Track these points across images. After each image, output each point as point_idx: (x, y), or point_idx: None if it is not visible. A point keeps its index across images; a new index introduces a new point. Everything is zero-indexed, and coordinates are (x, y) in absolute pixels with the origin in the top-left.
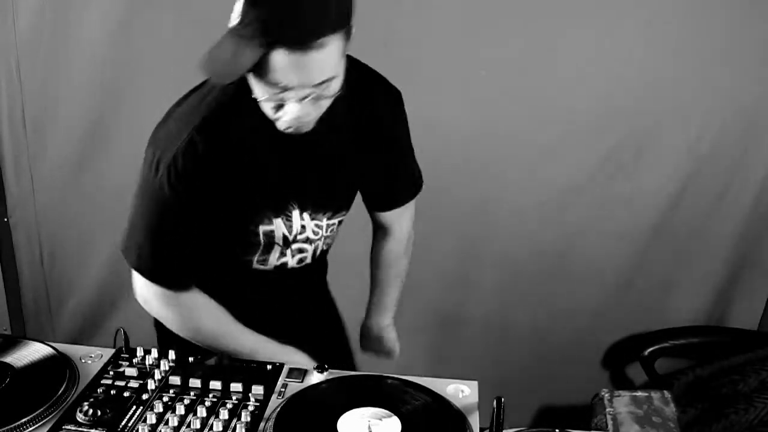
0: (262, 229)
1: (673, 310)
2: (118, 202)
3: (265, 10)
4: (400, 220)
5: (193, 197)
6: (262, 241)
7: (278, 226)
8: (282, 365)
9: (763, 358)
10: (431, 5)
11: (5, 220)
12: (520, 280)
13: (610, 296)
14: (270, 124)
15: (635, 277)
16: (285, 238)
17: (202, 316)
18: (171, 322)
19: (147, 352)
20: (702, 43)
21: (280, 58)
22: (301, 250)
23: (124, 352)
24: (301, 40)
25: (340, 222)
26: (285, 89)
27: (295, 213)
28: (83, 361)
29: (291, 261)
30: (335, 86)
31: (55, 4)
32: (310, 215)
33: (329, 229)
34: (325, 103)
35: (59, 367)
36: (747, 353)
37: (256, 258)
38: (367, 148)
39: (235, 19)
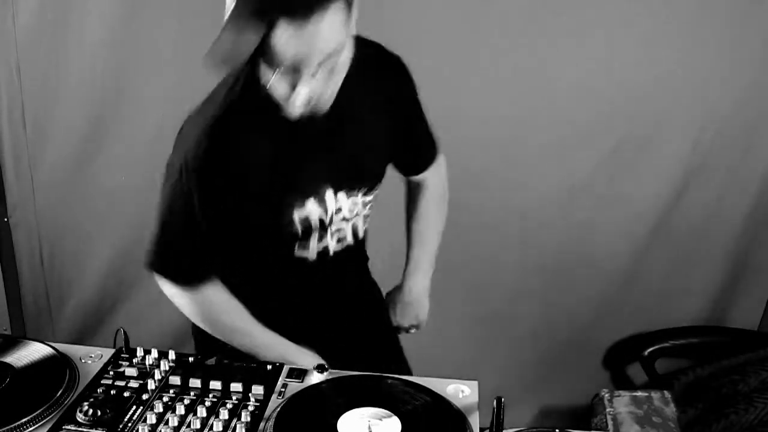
0: (297, 215)
1: (673, 310)
2: (118, 202)
3: None
4: (433, 177)
5: (203, 193)
6: (299, 228)
7: (312, 209)
8: (282, 365)
9: (763, 358)
10: (432, 6)
11: (5, 220)
12: (520, 280)
13: (610, 296)
14: (281, 116)
15: (635, 277)
16: (321, 221)
17: (219, 310)
18: (191, 314)
19: (147, 352)
20: (702, 44)
21: (281, 32)
22: (339, 230)
23: (124, 352)
24: (299, 10)
25: (374, 197)
26: (293, 68)
27: (329, 193)
28: (83, 361)
29: (332, 244)
30: (344, 59)
31: (55, 4)
32: (346, 194)
33: (366, 206)
34: (337, 79)
35: (59, 367)
36: (747, 353)
37: (296, 246)
38: (386, 118)
39: (229, 6)
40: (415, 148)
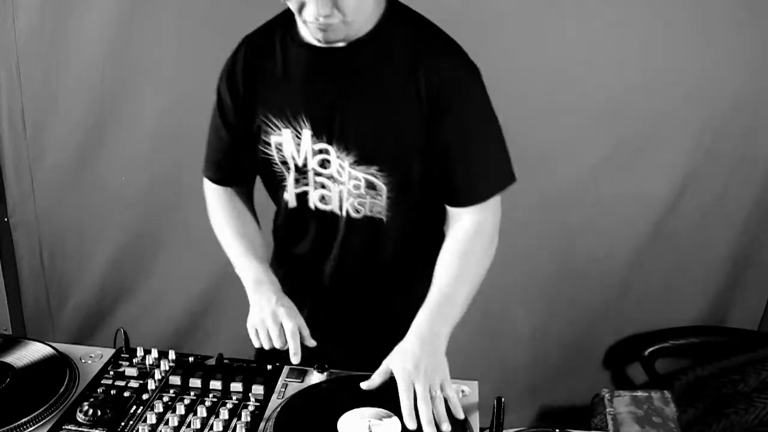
0: (274, 140)
1: (673, 310)
2: (118, 202)
3: None
4: (472, 216)
5: (229, 100)
6: (275, 155)
7: (287, 140)
8: (282, 365)
9: (763, 358)
10: (431, 5)
11: (5, 220)
12: (520, 280)
13: (610, 296)
14: (310, 46)
15: (635, 276)
16: (295, 161)
17: (217, 210)
18: (208, 206)
19: (147, 352)
20: (702, 43)
21: None
22: (323, 186)
23: (124, 352)
24: None
25: (370, 185)
26: None
27: (306, 133)
28: (83, 361)
29: (312, 194)
30: None
31: (55, 4)
32: (335, 150)
33: (353, 183)
34: (348, 10)
35: (59, 367)
36: (747, 353)
37: (283, 186)
38: (417, 107)
39: None
40: (453, 174)
